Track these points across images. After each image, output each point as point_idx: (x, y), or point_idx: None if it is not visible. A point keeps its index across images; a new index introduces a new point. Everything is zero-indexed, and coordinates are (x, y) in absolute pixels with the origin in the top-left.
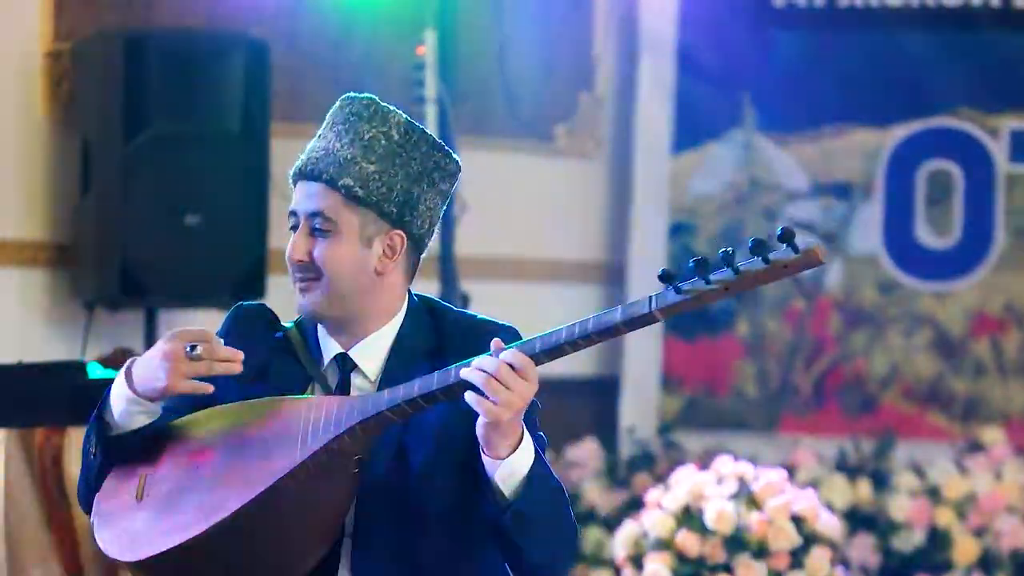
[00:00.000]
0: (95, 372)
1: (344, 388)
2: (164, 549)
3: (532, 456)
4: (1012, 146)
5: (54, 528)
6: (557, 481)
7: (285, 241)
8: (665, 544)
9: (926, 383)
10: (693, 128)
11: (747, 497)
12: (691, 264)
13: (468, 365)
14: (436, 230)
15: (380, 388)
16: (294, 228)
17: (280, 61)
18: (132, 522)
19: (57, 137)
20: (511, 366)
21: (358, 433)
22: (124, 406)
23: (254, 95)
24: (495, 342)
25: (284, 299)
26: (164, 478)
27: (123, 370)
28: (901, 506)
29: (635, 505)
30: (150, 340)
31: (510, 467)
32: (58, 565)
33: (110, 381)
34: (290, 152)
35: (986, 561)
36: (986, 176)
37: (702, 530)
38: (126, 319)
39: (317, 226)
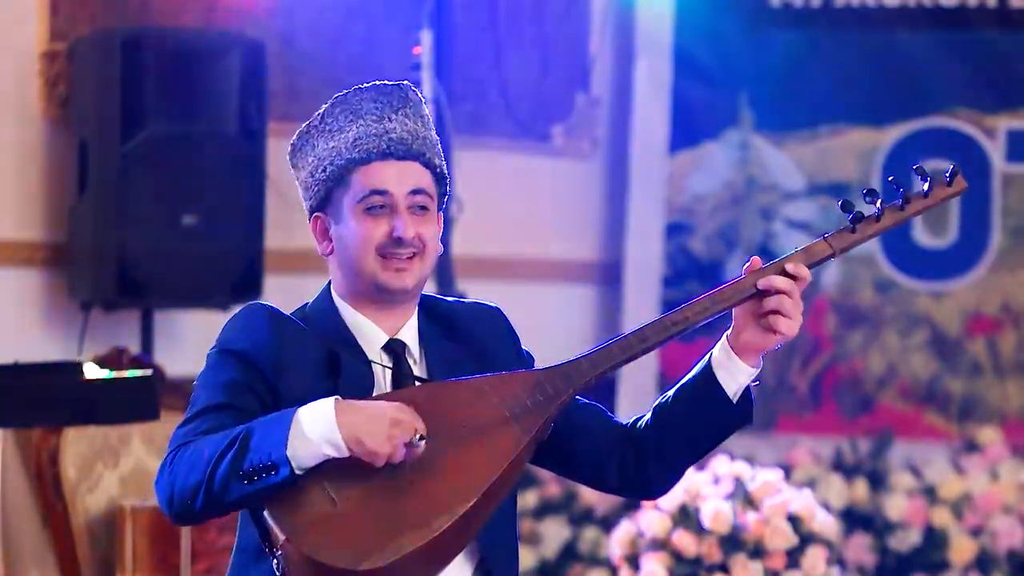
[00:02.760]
0: (91, 372)
1: (406, 370)
2: (414, 548)
3: None
4: (1009, 146)
5: (51, 527)
6: None
7: (282, 241)
8: (661, 544)
9: (922, 383)
10: (690, 128)
11: (743, 497)
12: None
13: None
14: None
15: (431, 368)
16: (376, 208)
17: (276, 61)
18: (348, 528)
19: (53, 137)
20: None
21: (566, 401)
22: (318, 447)
23: (250, 95)
24: (755, 260)
25: (281, 299)
26: (350, 478)
27: (332, 407)
28: (897, 506)
29: (632, 505)
30: (146, 340)
31: (750, 378)
32: (55, 564)
33: (107, 381)
34: (287, 152)
35: (982, 561)
36: (983, 176)
37: (698, 530)
38: (122, 319)
39: (419, 204)
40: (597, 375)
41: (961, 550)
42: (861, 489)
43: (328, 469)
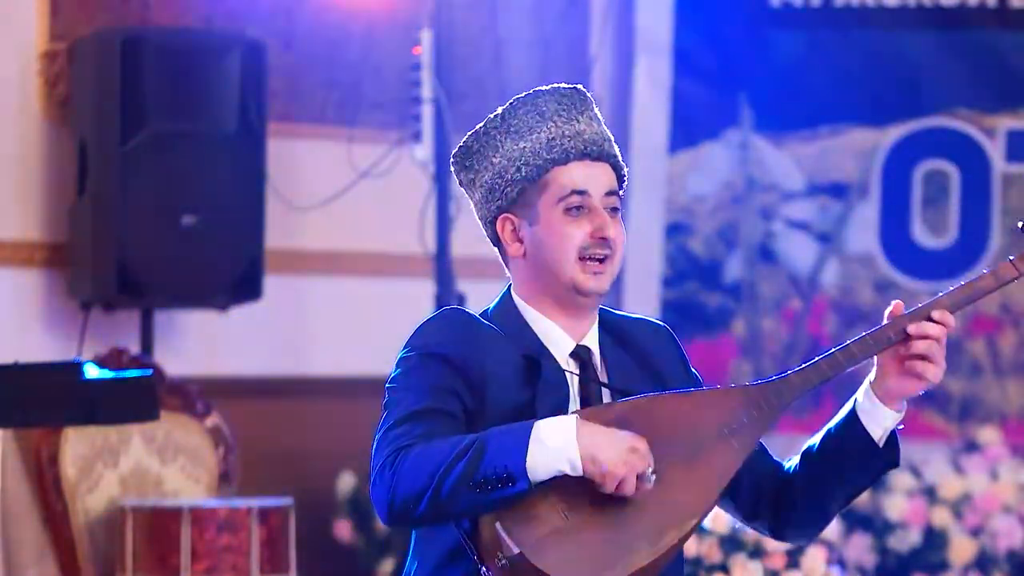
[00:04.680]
0: (91, 372)
1: (593, 377)
2: (644, 563)
3: None
4: (1008, 146)
5: (51, 527)
6: None
7: (282, 241)
8: None
9: None
10: (689, 128)
11: None
12: None
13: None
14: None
15: (610, 377)
16: (574, 209)
17: (277, 61)
18: (579, 544)
19: (54, 137)
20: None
21: (778, 417)
22: (555, 461)
23: (251, 95)
24: (898, 305)
25: (279, 299)
26: (580, 494)
27: (575, 424)
28: (897, 506)
29: None
30: (146, 340)
31: (895, 422)
32: (54, 563)
33: (107, 381)
34: (287, 152)
35: (982, 561)
36: (983, 176)
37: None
38: (122, 319)
39: (612, 205)
40: (806, 391)
41: (961, 550)
42: None
43: (558, 484)
